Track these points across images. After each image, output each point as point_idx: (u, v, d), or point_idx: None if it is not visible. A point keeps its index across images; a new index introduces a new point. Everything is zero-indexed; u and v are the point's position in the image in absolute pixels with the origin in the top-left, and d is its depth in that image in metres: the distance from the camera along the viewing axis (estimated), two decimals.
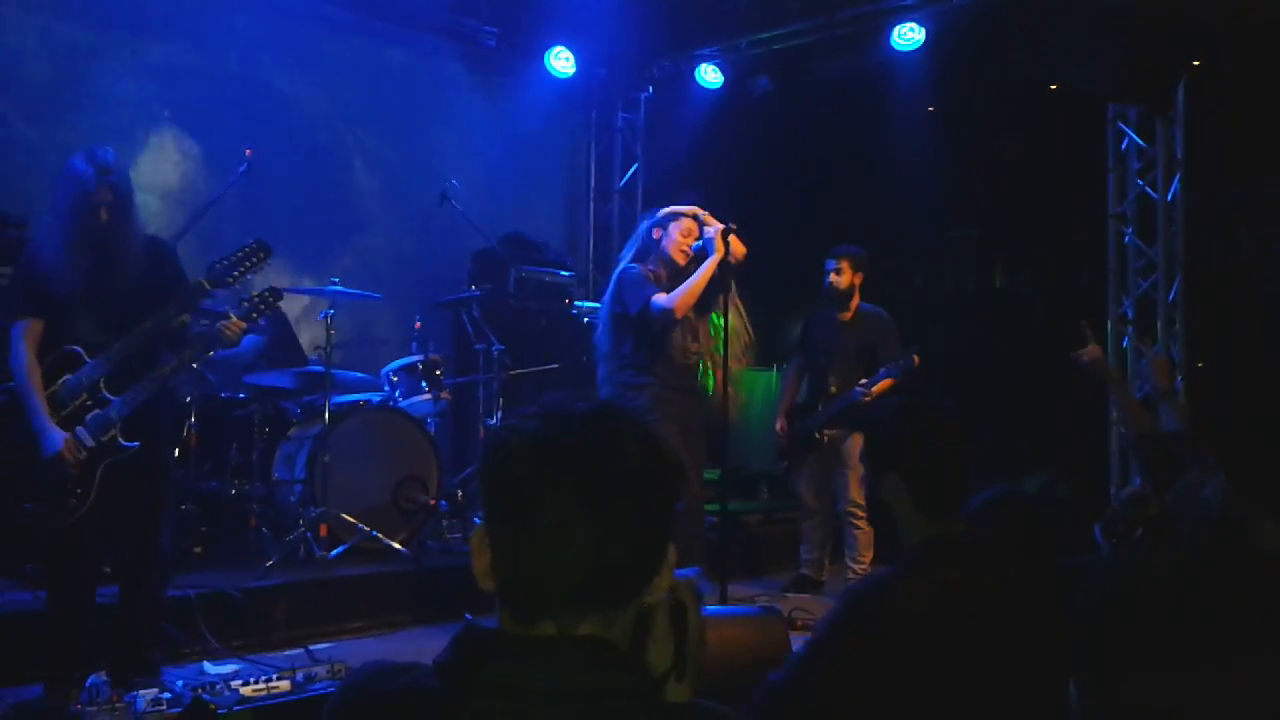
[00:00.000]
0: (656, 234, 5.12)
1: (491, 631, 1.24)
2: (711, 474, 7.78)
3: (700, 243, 5.07)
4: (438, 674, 1.22)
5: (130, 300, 3.95)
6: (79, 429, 3.87)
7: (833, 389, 6.26)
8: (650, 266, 5.06)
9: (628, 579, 1.22)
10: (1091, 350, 4.94)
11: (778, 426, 6.62)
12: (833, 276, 6.37)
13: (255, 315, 4.19)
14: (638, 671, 1.25)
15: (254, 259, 4.18)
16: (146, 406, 3.96)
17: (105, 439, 3.88)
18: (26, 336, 3.90)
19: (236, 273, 4.14)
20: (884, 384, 6.01)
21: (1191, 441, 4.27)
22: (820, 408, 6.35)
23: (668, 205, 5.28)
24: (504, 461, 1.23)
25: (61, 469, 3.83)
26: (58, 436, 3.84)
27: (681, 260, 5.07)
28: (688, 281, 4.93)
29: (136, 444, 3.91)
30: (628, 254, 5.22)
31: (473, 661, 1.21)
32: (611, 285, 5.18)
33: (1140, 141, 7.73)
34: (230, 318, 4.06)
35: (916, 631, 2.08)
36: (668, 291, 4.97)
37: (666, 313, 4.90)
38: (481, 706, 1.18)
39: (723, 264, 4.95)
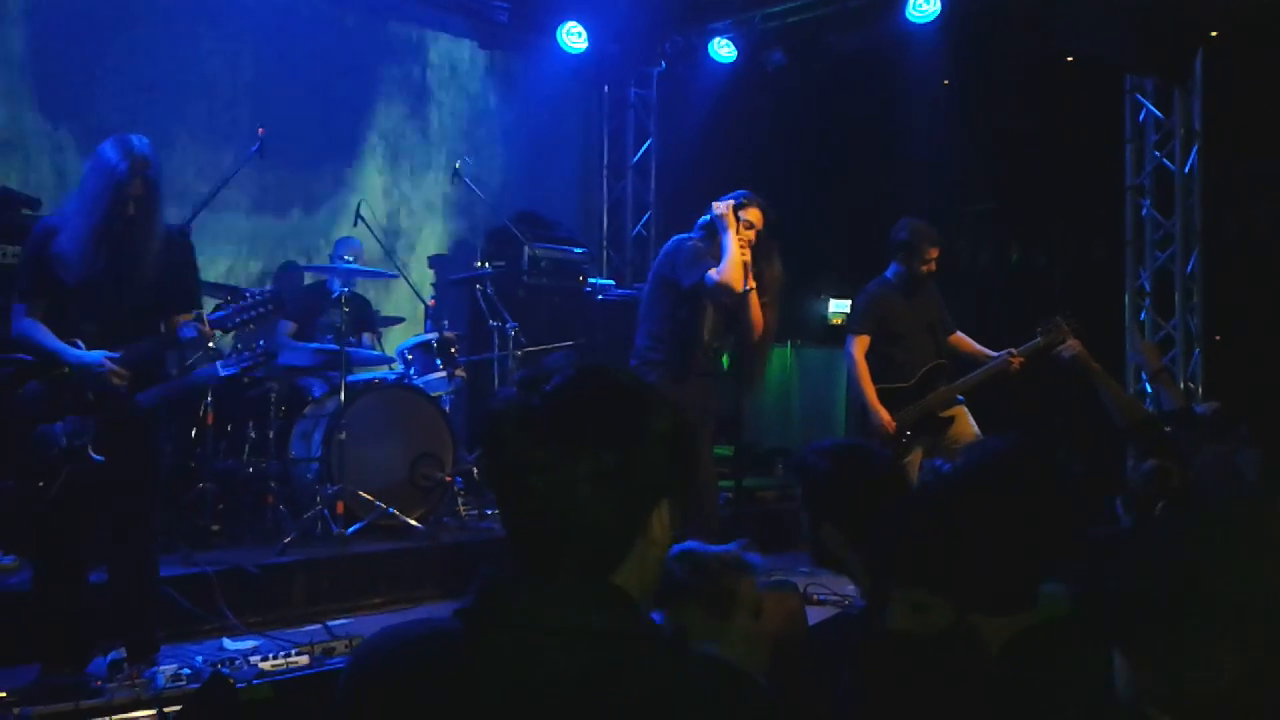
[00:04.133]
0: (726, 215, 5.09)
1: (508, 577, 1.32)
2: (725, 450, 7.80)
3: (706, 217, 5.09)
4: (458, 616, 1.30)
5: (138, 296, 3.87)
6: (57, 425, 3.78)
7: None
8: (708, 245, 5.07)
9: (600, 533, 1.30)
10: (1072, 345, 4.93)
11: (884, 418, 5.77)
12: (935, 262, 6.09)
13: (246, 371, 4.19)
14: (644, 616, 1.30)
15: (264, 310, 4.09)
16: (131, 424, 3.86)
17: (77, 445, 3.77)
18: (30, 316, 3.86)
19: (243, 319, 4.06)
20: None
21: (1188, 420, 4.26)
22: (926, 387, 5.87)
23: (686, 183, 5.30)
24: (491, 425, 1.34)
25: (47, 446, 3.76)
26: (96, 354, 3.78)
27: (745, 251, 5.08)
28: (725, 255, 4.95)
29: (102, 459, 3.78)
30: (697, 231, 5.20)
31: (490, 603, 1.29)
32: (666, 250, 5.18)
33: (1158, 113, 7.68)
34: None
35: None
36: None
37: (724, 287, 4.92)
38: (497, 642, 1.25)
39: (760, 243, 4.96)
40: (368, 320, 6.97)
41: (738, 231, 5.04)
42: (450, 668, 1.26)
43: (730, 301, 5.04)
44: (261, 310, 4.07)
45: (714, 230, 5.11)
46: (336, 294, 6.13)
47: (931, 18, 7.61)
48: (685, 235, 5.19)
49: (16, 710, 3.13)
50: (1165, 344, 7.60)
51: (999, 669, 1.84)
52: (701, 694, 1.24)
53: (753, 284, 5.05)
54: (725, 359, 5.22)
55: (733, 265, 4.94)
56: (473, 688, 1.24)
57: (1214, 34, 7.55)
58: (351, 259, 6.62)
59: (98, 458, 3.78)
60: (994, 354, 6.00)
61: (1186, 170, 7.57)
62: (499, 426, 1.32)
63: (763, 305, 5.14)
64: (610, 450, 1.29)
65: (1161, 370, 5.08)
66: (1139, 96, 7.77)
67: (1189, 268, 7.58)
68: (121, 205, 3.75)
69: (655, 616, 1.92)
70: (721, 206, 5.04)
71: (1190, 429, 3.88)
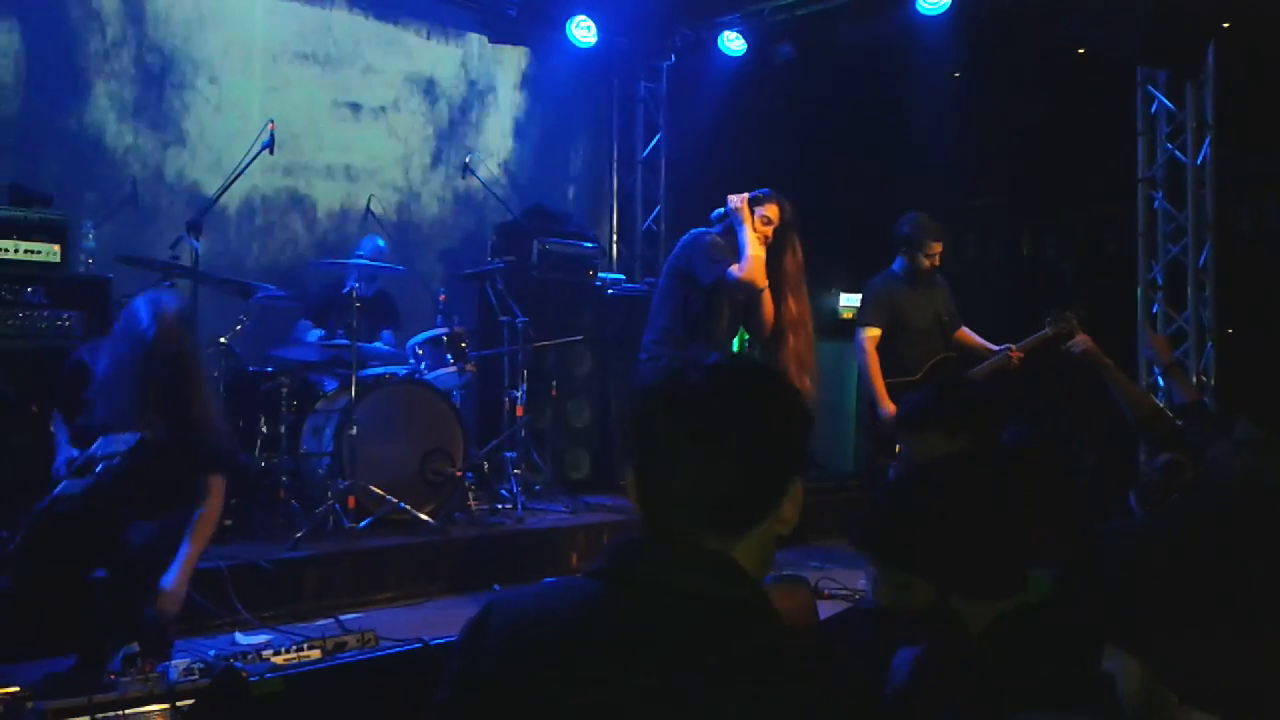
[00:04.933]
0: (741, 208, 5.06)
1: (640, 541, 1.43)
2: None
3: (721, 210, 5.06)
4: (590, 574, 1.43)
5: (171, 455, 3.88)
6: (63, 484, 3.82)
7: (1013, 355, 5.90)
8: (726, 239, 5.04)
9: (737, 507, 1.41)
10: (1082, 340, 4.92)
11: (892, 413, 5.73)
12: (940, 255, 6.11)
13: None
14: (757, 589, 1.40)
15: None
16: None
17: (58, 510, 3.76)
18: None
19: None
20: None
21: (1200, 413, 4.25)
22: (931, 377, 5.84)
23: (695, 177, 5.28)
24: (638, 400, 1.48)
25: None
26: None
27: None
28: (744, 251, 4.92)
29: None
30: (716, 227, 5.17)
31: (617, 565, 1.42)
32: (682, 244, 5.15)
33: (1170, 105, 7.63)
34: None
35: None
36: None
37: (745, 284, 4.90)
38: (622, 598, 1.38)
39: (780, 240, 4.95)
40: (390, 316, 6.99)
41: (754, 226, 5.01)
42: (573, 618, 1.39)
43: (747, 298, 5.02)
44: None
45: (730, 224, 5.08)
46: (346, 290, 6.14)
47: (942, 9, 7.59)
48: (702, 230, 5.16)
49: (30, 704, 3.14)
50: (1177, 337, 7.57)
51: (979, 650, 1.87)
52: (797, 663, 1.33)
53: (764, 283, 5.03)
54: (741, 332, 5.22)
55: (754, 261, 4.92)
56: (592, 638, 1.36)
57: (1226, 25, 7.50)
58: (366, 256, 6.63)
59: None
60: (995, 348, 6.00)
61: (1199, 162, 7.52)
62: (642, 400, 1.45)
63: (792, 296, 5.12)
64: (755, 433, 1.40)
65: (1173, 364, 5.06)
66: (1151, 88, 7.73)
67: (1201, 260, 7.54)
68: (153, 373, 3.75)
69: None
70: (736, 200, 5.02)
71: (1202, 423, 3.87)
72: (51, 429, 4.04)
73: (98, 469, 3.71)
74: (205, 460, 4.00)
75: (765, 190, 5.13)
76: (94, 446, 3.73)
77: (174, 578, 3.78)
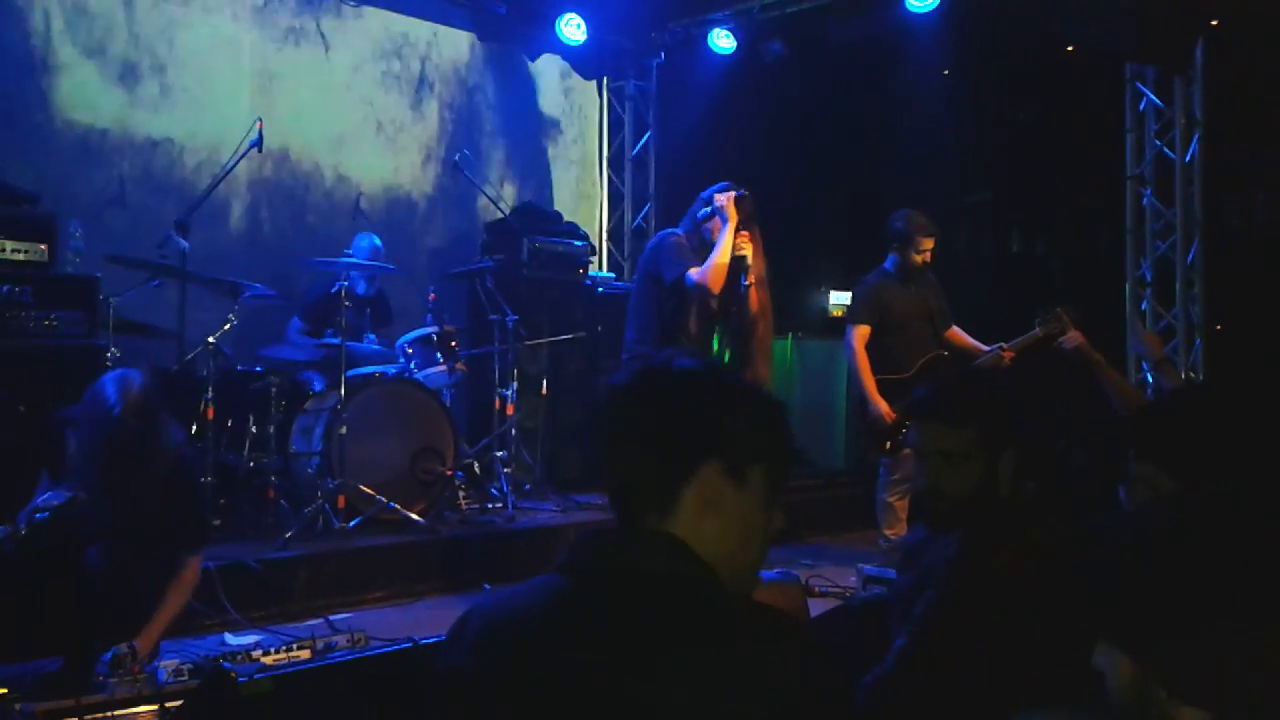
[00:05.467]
0: (707, 210, 5.03)
1: (597, 530, 1.56)
2: None
3: (708, 210, 5.02)
4: (557, 568, 1.53)
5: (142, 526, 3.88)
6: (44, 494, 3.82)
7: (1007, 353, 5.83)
8: (691, 243, 5.01)
9: (653, 487, 1.55)
10: (1073, 337, 4.94)
11: (882, 410, 5.81)
12: (931, 252, 6.13)
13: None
14: (701, 563, 1.51)
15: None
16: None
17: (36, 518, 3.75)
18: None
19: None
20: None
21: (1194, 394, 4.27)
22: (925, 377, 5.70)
23: (685, 175, 5.24)
24: (598, 401, 1.74)
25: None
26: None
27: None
28: (712, 254, 4.85)
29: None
30: (682, 225, 5.12)
31: (580, 553, 1.54)
32: (650, 247, 5.13)
33: (1158, 101, 7.66)
34: None
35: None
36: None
37: (701, 288, 4.82)
38: (581, 585, 1.49)
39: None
40: (383, 317, 6.97)
41: (738, 227, 4.95)
42: (539, 610, 1.49)
43: (701, 300, 4.94)
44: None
45: (698, 224, 5.04)
46: (335, 289, 6.11)
47: (932, 6, 7.59)
48: (670, 230, 5.13)
49: (18, 706, 3.13)
50: (1166, 333, 7.59)
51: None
52: (752, 631, 1.42)
53: (753, 278, 4.99)
54: (726, 355, 5.16)
55: (716, 268, 4.84)
56: (556, 627, 1.46)
57: (1214, 22, 7.52)
58: (364, 255, 6.62)
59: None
60: (986, 348, 6.00)
61: (1187, 159, 7.55)
62: (602, 403, 1.64)
63: (757, 288, 5.08)
64: (648, 419, 1.56)
65: (1163, 360, 5.07)
66: (1139, 85, 7.75)
67: (1190, 257, 7.57)
68: (116, 450, 3.72)
69: None
70: (723, 199, 4.97)
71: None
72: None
73: (35, 517, 3.73)
74: (179, 539, 4.01)
75: (726, 184, 5.09)
76: (38, 499, 3.78)
77: (144, 636, 3.77)
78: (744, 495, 1.56)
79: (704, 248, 4.94)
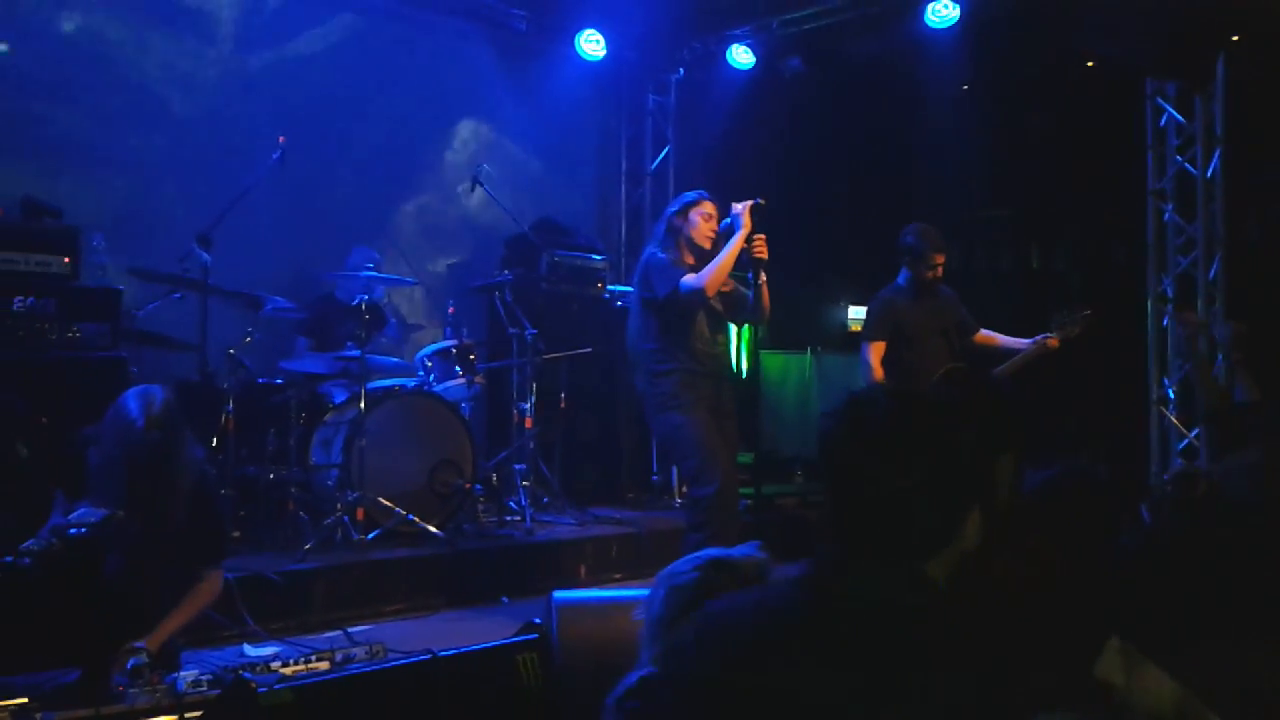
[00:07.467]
0: (678, 222, 5.09)
1: (839, 558, 1.63)
2: (745, 458, 7.78)
3: (728, 220, 5.05)
4: (796, 585, 1.64)
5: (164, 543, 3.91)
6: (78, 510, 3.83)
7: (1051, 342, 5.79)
8: (676, 254, 5.04)
9: (934, 528, 1.63)
10: (1191, 318, 4.88)
11: None
12: (943, 267, 6.08)
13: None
14: (928, 592, 1.60)
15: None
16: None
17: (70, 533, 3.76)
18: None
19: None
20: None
21: (1260, 414, 4.23)
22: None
23: (696, 187, 5.26)
24: (829, 428, 1.73)
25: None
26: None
27: (708, 244, 5.05)
28: (715, 259, 4.91)
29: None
30: (653, 243, 5.20)
31: (824, 578, 1.63)
32: (639, 272, 5.16)
33: (1179, 117, 7.64)
34: None
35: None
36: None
37: (697, 291, 4.86)
38: (829, 609, 1.59)
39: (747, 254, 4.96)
40: (380, 325, 7.00)
41: (753, 231, 4.99)
42: (789, 627, 1.59)
43: (691, 307, 4.98)
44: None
45: (670, 235, 5.08)
46: (356, 302, 6.13)
47: (951, 23, 7.59)
48: (649, 251, 5.16)
49: (38, 715, 3.14)
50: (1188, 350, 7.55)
51: None
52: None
53: (763, 277, 5.03)
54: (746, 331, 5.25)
55: (718, 270, 4.87)
56: (809, 645, 1.55)
57: (1235, 38, 7.50)
58: (371, 267, 6.64)
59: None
60: (1024, 342, 5.91)
61: (1209, 175, 7.52)
62: (836, 430, 1.68)
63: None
64: (936, 462, 1.61)
65: (1243, 360, 5.01)
66: (1160, 101, 7.73)
67: (1211, 273, 7.53)
68: (139, 464, 3.77)
69: None
70: (740, 207, 5.02)
71: (1246, 427, 3.84)
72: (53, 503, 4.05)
73: (69, 532, 3.75)
74: (200, 552, 4.05)
75: (695, 194, 5.15)
76: (73, 515, 3.79)
77: (152, 637, 3.79)
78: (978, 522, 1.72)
79: (695, 251, 5.02)
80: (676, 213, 5.12)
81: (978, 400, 2.73)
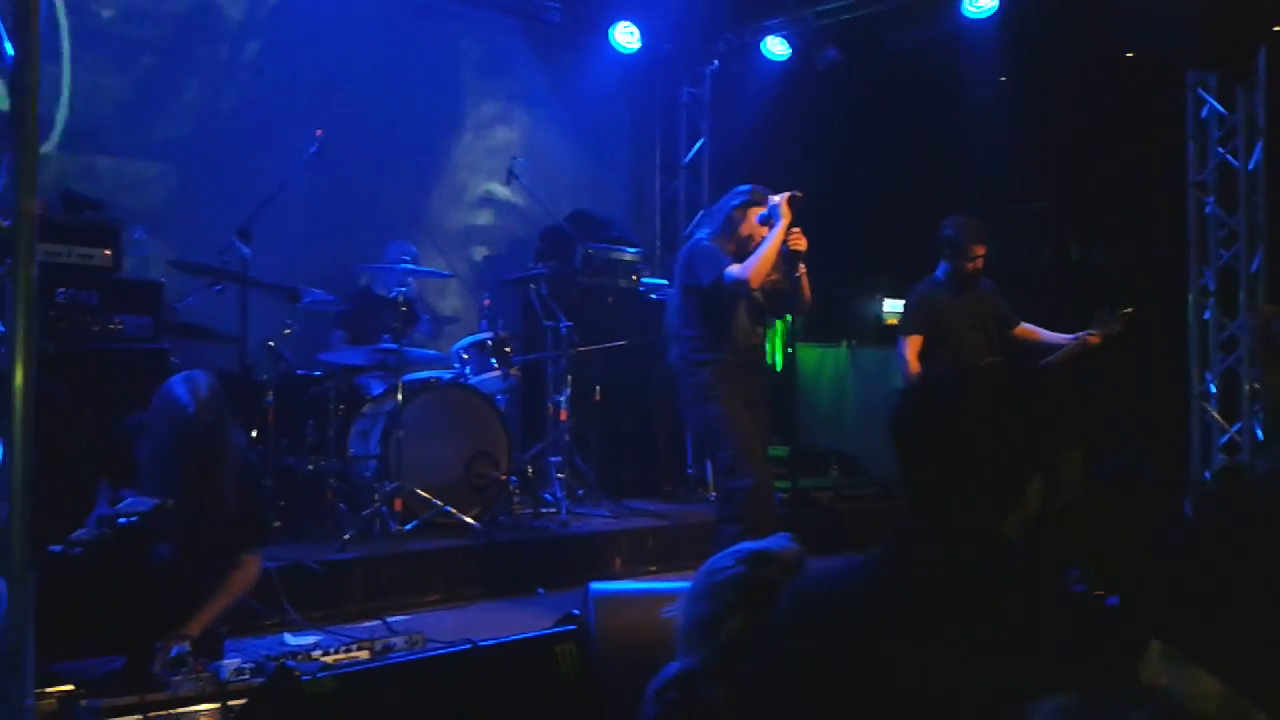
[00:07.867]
0: (739, 216, 5.06)
1: (917, 528, 1.75)
2: (780, 451, 7.77)
3: (765, 212, 5.03)
4: (880, 556, 1.72)
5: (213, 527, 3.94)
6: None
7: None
8: (724, 244, 5.02)
9: (998, 493, 1.73)
10: (1265, 309, 4.81)
11: None
12: (984, 259, 6.03)
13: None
14: (1008, 554, 1.71)
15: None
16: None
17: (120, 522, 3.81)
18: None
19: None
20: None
21: None
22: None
23: (738, 182, 5.23)
24: (898, 408, 1.84)
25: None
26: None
27: (755, 244, 5.01)
28: (758, 250, 4.88)
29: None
30: (705, 229, 5.19)
31: (905, 547, 1.73)
32: (683, 257, 5.15)
33: (1221, 108, 7.53)
34: None
35: None
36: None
37: (741, 283, 4.85)
38: (912, 576, 1.68)
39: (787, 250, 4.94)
40: (415, 319, 7.04)
41: (791, 223, 4.97)
42: (883, 596, 1.68)
43: (735, 297, 4.97)
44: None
45: (727, 225, 5.06)
46: (394, 295, 6.17)
47: (989, 13, 7.53)
48: (696, 238, 5.16)
49: (84, 702, 3.18)
50: (1230, 344, 7.47)
51: None
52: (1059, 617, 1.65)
53: (803, 269, 5.02)
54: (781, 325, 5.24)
55: (762, 262, 4.86)
56: (891, 610, 1.65)
57: (1278, 28, 7.39)
58: (408, 260, 6.68)
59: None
60: (1065, 338, 5.86)
61: (1250, 167, 7.42)
62: (905, 408, 1.80)
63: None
64: (997, 428, 1.72)
65: None
66: (1201, 92, 7.63)
67: (1254, 266, 7.43)
68: (193, 447, 3.80)
69: None
70: (778, 199, 5.00)
71: None
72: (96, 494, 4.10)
73: (119, 521, 3.79)
74: (241, 537, 4.07)
75: (748, 187, 5.13)
76: (121, 504, 3.83)
77: (193, 624, 3.83)
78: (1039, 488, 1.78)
79: (739, 244, 4.99)
80: (739, 206, 5.07)
81: (1036, 385, 2.73)
